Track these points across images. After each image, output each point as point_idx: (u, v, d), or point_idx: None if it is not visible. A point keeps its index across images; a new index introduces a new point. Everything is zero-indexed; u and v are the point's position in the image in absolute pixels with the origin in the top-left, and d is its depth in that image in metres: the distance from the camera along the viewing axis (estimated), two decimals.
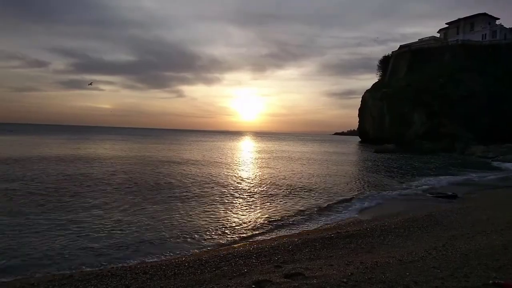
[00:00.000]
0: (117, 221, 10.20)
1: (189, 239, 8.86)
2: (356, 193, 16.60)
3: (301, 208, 12.87)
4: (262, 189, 16.66)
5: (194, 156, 35.68)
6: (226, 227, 10.11)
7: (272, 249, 7.76)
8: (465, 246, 6.77)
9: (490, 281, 4.41)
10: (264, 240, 9.07)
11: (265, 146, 65.89)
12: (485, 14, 70.67)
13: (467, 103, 58.39)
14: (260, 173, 23.30)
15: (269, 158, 36.50)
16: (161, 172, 21.25)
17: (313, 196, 15.26)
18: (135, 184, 16.64)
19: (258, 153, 45.23)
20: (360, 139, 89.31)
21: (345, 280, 4.73)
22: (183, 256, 7.53)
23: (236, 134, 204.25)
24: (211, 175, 20.91)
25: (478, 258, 5.65)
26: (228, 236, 9.35)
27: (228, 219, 11.06)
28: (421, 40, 76.65)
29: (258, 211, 12.29)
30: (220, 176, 20.69)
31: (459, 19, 73.64)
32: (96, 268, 6.70)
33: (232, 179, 19.95)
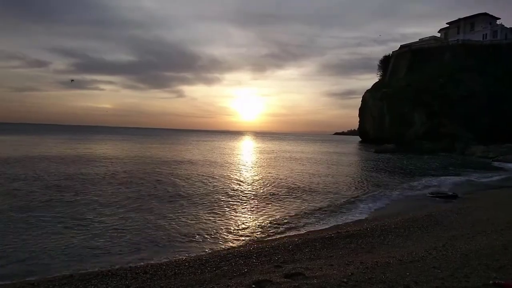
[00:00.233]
0: (118, 221, 10.20)
1: (189, 240, 8.86)
2: (357, 194, 16.60)
3: (303, 210, 12.86)
4: (263, 190, 16.66)
5: (195, 156, 35.68)
6: (228, 228, 10.10)
7: (272, 249, 7.76)
8: (465, 246, 6.77)
9: (491, 281, 4.41)
10: (264, 240, 9.07)
11: (266, 146, 65.89)
12: (485, 14, 70.61)
13: (467, 103, 58.37)
14: (261, 174, 23.29)
15: (270, 159, 36.51)
16: (162, 173, 21.25)
17: (315, 198, 15.25)
18: (136, 185, 16.64)
19: (259, 153, 45.24)
20: (360, 139, 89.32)
21: (345, 280, 4.73)
22: (183, 256, 7.53)
23: (236, 134, 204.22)
24: (212, 176, 20.91)
25: (478, 258, 5.65)
26: (230, 236, 9.35)
27: (230, 220, 11.06)
28: (421, 40, 76.62)
29: (260, 212, 12.27)
30: (222, 177, 20.69)
31: (460, 19, 73.58)
32: (97, 268, 6.70)
33: (234, 180, 19.95)
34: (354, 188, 18.08)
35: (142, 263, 6.96)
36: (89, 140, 60.27)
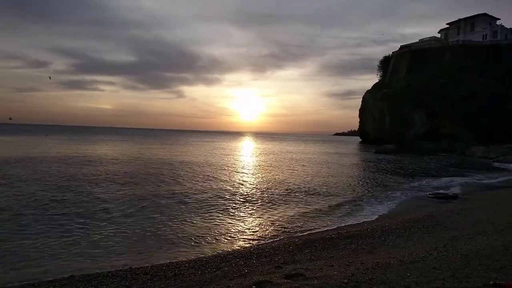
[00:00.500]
0: (118, 222, 10.19)
1: (190, 241, 8.85)
2: (358, 195, 16.60)
3: (303, 211, 12.85)
4: (264, 191, 16.63)
5: (195, 158, 35.68)
6: (228, 229, 10.09)
7: (272, 249, 7.76)
8: (466, 246, 6.76)
9: (491, 282, 4.40)
10: (264, 241, 9.05)
11: (267, 147, 65.91)
12: (485, 15, 70.65)
13: (467, 104, 58.37)
14: (262, 175, 23.29)
15: (271, 160, 36.51)
16: (162, 175, 21.24)
17: (315, 199, 15.24)
18: (136, 186, 16.64)
19: (260, 154, 45.24)
20: (360, 140, 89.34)
21: (346, 281, 4.72)
22: (184, 257, 7.53)
23: (236, 134, 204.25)
24: (213, 177, 20.90)
25: (479, 258, 5.64)
26: (230, 237, 9.33)
27: (231, 221, 11.05)
28: (421, 41, 76.64)
29: (261, 213, 12.25)
30: (222, 179, 20.69)
31: (460, 20, 73.62)
32: (97, 269, 6.69)
33: (234, 181, 19.94)
34: (354, 189, 18.07)
35: (142, 264, 6.95)
36: (90, 141, 60.28)
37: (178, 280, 5.84)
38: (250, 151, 51.46)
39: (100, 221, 10.12)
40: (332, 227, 10.48)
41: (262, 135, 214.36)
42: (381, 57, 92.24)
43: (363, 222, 11.24)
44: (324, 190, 17.15)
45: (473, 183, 21.86)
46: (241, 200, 14.13)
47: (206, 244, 8.63)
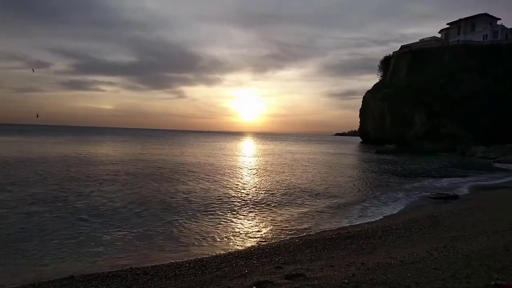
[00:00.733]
0: (118, 223, 10.19)
1: (190, 241, 8.85)
2: (359, 195, 16.62)
3: (304, 212, 12.86)
4: (265, 192, 16.62)
5: (197, 158, 35.69)
6: (229, 230, 10.09)
7: (273, 250, 7.76)
8: (466, 247, 6.75)
9: (492, 282, 4.39)
10: (265, 241, 9.05)
11: (268, 147, 65.92)
12: (486, 15, 70.61)
13: (467, 104, 58.34)
14: (263, 176, 23.28)
15: (272, 160, 36.51)
16: (164, 176, 21.26)
17: (316, 200, 15.23)
18: (138, 187, 16.64)
19: (261, 155, 45.25)
20: (361, 140, 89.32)
21: (346, 281, 4.71)
22: (184, 257, 7.52)
23: (237, 134, 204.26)
24: (214, 178, 20.90)
25: (479, 259, 5.63)
26: (231, 238, 9.32)
27: (231, 222, 11.04)
28: (422, 41, 76.62)
29: (261, 214, 12.24)
30: (223, 179, 20.69)
31: (460, 20, 73.58)
32: (97, 269, 6.69)
33: (236, 182, 19.94)
34: (355, 189, 18.07)
35: (143, 264, 6.94)
36: (91, 141, 60.32)
37: (179, 280, 5.84)
38: (251, 151, 51.47)
39: (100, 222, 10.13)
40: (333, 228, 10.47)
41: (262, 135, 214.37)
42: (381, 57, 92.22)
43: (363, 222, 11.23)
44: (325, 190, 17.15)
45: (482, 184, 21.46)
46: (242, 200, 14.13)
47: (207, 244, 8.63)
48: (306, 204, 13.76)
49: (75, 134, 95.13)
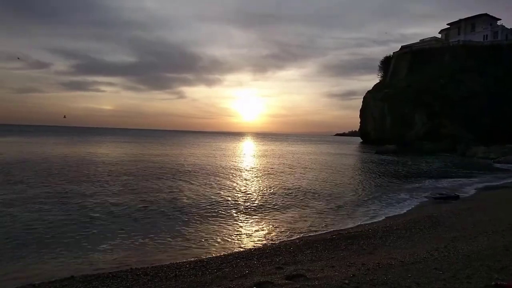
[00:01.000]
0: (119, 223, 10.20)
1: (190, 241, 8.84)
2: (359, 196, 16.60)
3: (305, 212, 12.85)
4: (266, 193, 16.61)
5: (199, 159, 35.68)
6: (229, 230, 10.08)
7: (273, 250, 7.76)
8: (467, 247, 6.75)
9: (493, 283, 4.39)
10: (265, 242, 9.05)
11: (268, 147, 65.91)
12: (486, 15, 70.66)
13: (467, 104, 58.34)
14: (265, 176, 23.27)
15: (273, 160, 36.52)
16: (165, 176, 21.27)
17: (317, 200, 15.22)
18: (139, 187, 16.64)
19: (262, 155, 45.25)
20: (361, 140, 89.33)
21: (346, 281, 4.71)
22: (184, 258, 7.52)
23: (237, 135, 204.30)
24: (215, 179, 20.90)
25: (480, 259, 5.62)
26: (231, 238, 9.31)
27: (232, 222, 11.04)
28: (422, 41, 76.67)
29: (262, 215, 12.22)
30: (225, 180, 20.68)
31: (460, 20, 73.63)
32: (97, 270, 6.68)
33: (237, 183, 19.93)
34: (356, 190, 18.06)
35: (143, 265, 6.94)
36: (91, 142, 60.32)
37: (179, 281, 5.84)
38: (252, 152, 51.46)
39: (100, 222, 10.13)
40: (333, 228, 10.47)
41: (263, 135, 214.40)
42: (381, 57, 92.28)
43: (364, 223, 11.22)
44: (325, 191, 17.14)
45: (489, 185, 21.28)
46: (242, 201, 14.13)
47: (207, 245, 8.62)
48: (306, 205, 13.75)
49: (75, 135, 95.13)
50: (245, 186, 18.02)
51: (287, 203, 13.97)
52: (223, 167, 26.58)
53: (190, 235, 9.30)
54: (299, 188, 17.61)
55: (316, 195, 15.88)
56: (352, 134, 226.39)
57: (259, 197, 15.03)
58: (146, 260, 7.36)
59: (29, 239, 8.45)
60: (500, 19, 71.36)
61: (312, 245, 8.06)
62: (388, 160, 38.03)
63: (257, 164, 30.60)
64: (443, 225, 9.86)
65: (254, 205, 13.39)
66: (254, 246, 8.52)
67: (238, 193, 15.68)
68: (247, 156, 42.13)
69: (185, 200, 13.74)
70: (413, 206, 14.23)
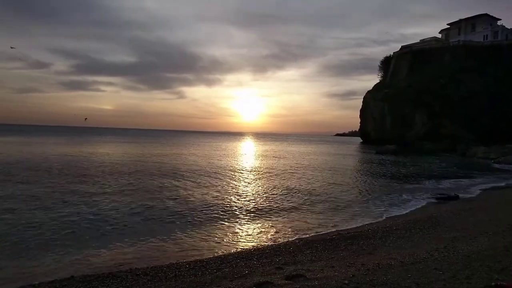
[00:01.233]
0: (119, 224, 10.19)
1: (190, 242, 8.85)
2: (360, 196, 16.60)
3: (306, 213, 12.84)
4: (267, 193, 16.61)
5: (199, 159, 35.66)
6: (229, 230, 10.09)
7: (273, 250, 7.75)
8: (467, 247, 6.75)
9: (493, 283, 4.39)
10: (265, 242, 9.04)
11: (268, 148, 65.90)
12: (486, 15, 70.61)
13: (467, 104, 58.31)
14: (265, 177, 23.26)
15: (273, 160, 36.50)
16: (166, 176, 21.26)
17: (317, 201, 15.23)
18: (139, 188, 16.63)
19: (262, 155, 45.24)
20: (361, 140, 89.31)
21: (346, 282, 4.71)
22: (184, 258, 7.52)
23: (237, 135, 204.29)
24: (216, 179, 20.89)
25: (480, 259, 5.62)
26: (231, 238, 9.31)
27: (232, 222, 11.04)
28: (422, 41, 76.64)
29: (263, 215, 12.23)
30: (226, 181, 20.68)
31: (461, 20, 73.58)
32: (97, 270, 6.68)
33: (238, 183, 19.93)
34: (356, 190, 18.06)
35: (143, 265, 6.94)
36: (91, 142, 60.32)
37: (179, 281, 5.84)
38: (252, 152, 51.46)
39: (100, 222, 10.12)
40: (333, 229, 10.47)
41: (263, 135, 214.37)
42: (381, 57, 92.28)
43: (364, 223, 11.22)
44: (325, 191, 17.14)
45: (493, 186, 21.16)
46: (242, 201, 14.12)
47: (207, 245, 8.62)
48: (306, 205, 13.74)
49: (76, 135, 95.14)
50: (245, 186, 18.02)
51: (287, 203, 13.97)
52: (223, 168, 26.58)
53: (189, 235, 9.30)
54: (299, 188, 17.61)
55: (316, 195, 15.87)
56: (352, 134, 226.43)
57: (259, 197, 15.02)
58: (146, 260, 7.36)
59: (29, 239, 8.44)
60: (500, 19, 71.35)
61: (312, 245, 8.06)
62: (388, 161, 38.01)
63: (257, 165, 30.59)
64: (443, 225, 9.86)
65: (254, 205, 13.38)
66: (253, 246, 8.51)
67: (237, 194, 15.68)
68: (247, 156, 42.13)
69: (185, 200, 13.73)
70: (413, 207, 14.20)
